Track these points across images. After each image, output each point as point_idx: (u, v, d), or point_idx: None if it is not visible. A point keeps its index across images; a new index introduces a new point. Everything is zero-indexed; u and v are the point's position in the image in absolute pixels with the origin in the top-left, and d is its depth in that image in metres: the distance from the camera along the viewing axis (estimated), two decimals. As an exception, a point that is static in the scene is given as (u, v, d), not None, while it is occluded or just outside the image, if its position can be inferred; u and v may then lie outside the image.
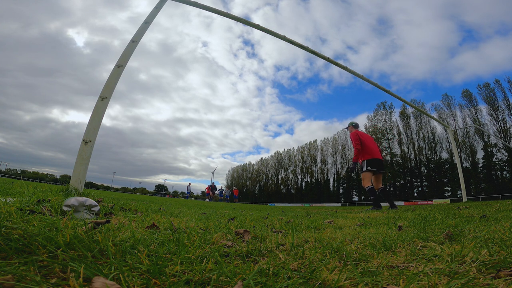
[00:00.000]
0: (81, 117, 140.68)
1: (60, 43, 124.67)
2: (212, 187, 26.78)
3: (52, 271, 0.61)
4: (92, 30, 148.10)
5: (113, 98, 3.46)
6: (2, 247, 0.67)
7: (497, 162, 41.69)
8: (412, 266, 0.82)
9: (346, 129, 6.80)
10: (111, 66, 3.59)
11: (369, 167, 5.82)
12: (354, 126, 6.55)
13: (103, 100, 3.29)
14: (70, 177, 2.94)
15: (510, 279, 0.65)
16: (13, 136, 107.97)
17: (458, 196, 38.78)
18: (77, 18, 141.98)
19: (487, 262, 0.79)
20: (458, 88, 79.22)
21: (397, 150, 54.56)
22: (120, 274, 0.59)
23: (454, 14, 76.06)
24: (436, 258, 0.90)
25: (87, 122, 3.17)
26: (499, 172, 41.57)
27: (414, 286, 0.63)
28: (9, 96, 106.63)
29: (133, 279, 0.60)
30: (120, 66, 3.55)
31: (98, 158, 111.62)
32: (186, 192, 30.62)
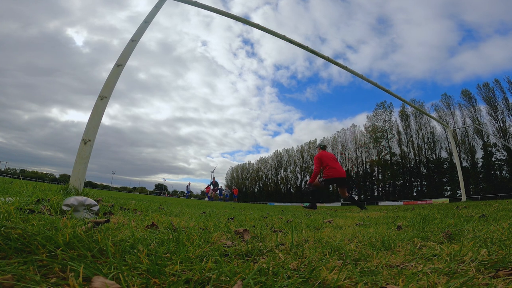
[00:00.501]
0: (80, 116, 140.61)
1: (59, 42, 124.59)
2: (213, 184, 25.16)
3: (51, 270, 0.61)
4: (91, 29, 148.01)
5: (112, 97, 3.46)
6: (2, 246, 0.67)
7: (496, 162, 41.75)
8: (411, 266, 0.82)
9: (316, 149, 7.30)
10: (111, 66, 3.58)
11: (323, 183, 6.57)
12: (322, 147, 7.03)
13: (103, 99, 3.28)
14: (69, 176, 2.93)
15: (509, 278, 0.65)
16: (12, 135, 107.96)
17: (457, 195, 38.85)
18: (76, 18, 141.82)
19: (486, 262, 0.79)
20: (458, 88, 79.13)
21: (396, 150, 54.65)
22: (120, 274, 0.59)
23: (453, 14, 76.04)
24: (435, 257, 0.90)
25: (87, 121, 3.16)
26: (498, 172, 41.64)
27: (414, 285, 0.63)
28: (8, 95, 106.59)
29: (133, 278, 0.60)
30: (119, 65, 3.54)
31: (97, 157, 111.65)
32: (185, 192, 30.39)
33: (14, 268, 0.57)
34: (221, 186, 29.15)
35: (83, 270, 0.57)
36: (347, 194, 6.54)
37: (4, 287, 0.49)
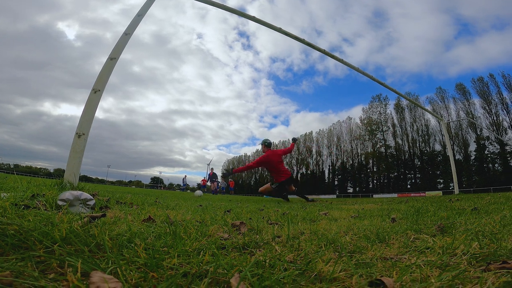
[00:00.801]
0: (73, 110, 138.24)
1: (50, 36, 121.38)
2: (210, 176, 24.31)
3: (49, 266, 0.61)
4: (83, 22, 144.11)
5: (106, 90, 3.42)
6: (-2, 242, 0.66)
7: (489, 155, 42.40)
8: (405, 258, 0.84)
9: (261, 145, 6.83)
10: (104, 59, 3.53)
11: (276, 188, 6.45)
12: (267, 145, 6.64)
13: (96, 92, 3.24)
14: (64, 170, 2.91)
15: (500, 272, 0.66)
16: (5, 130, 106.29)
17: (450, 188, 39.44)
18: (67, 11, 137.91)
19: (478, 255, 0.81)
20: (453, 81, 79.26)
21: (391, 142, 55.18)
22: (118, 268, 0.59)
23: (450, 8, 75.96)
24: (428, 250, 0.92)
25: (80, 115, 3.13)
26: (490, 165, 42.33)
27: (407, 278, 0.65)
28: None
29: (131, 272, 0.60)
30: (113, 59, 3.49)
31: (92, 151, 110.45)
32: (182, 185, 30.24)
33: (12, 265, 0.57)
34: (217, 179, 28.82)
35: (81, 265, 0.58)
36: (294, 188, 6.68)
37: (3, 284, 0.49)
